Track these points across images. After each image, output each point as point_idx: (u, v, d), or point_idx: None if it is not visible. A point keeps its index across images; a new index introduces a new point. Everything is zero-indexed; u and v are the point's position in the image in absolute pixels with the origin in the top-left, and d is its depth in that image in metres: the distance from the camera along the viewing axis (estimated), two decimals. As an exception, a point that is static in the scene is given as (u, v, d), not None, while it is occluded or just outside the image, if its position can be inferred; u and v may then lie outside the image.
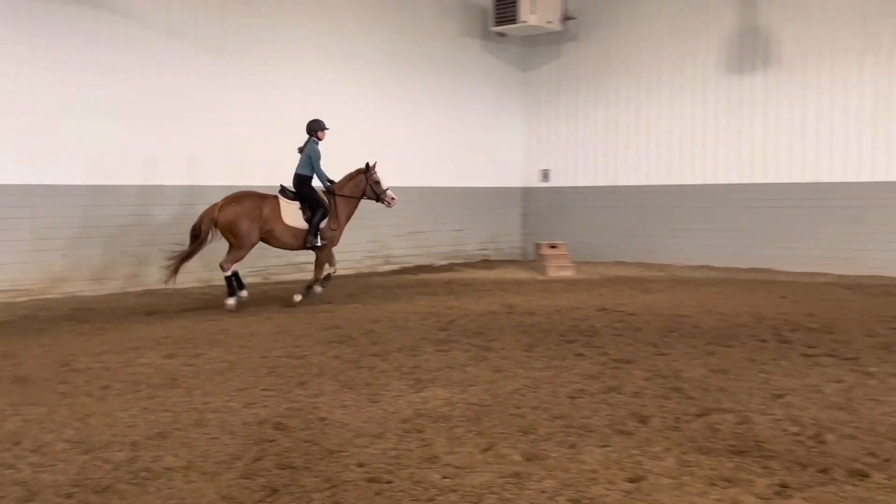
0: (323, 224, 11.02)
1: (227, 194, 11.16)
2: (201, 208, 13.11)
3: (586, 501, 4.15)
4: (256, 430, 5.36)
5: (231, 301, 10.60)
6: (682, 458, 4.73)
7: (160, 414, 5.74)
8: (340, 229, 11.29)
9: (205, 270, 13.13)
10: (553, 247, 15.23)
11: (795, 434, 5.18)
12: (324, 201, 11.03)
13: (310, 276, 11.95)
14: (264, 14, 13.88)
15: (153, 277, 12.58)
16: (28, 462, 4.80)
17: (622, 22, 17.03)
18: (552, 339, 8.36)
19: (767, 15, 15.23)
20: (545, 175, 18.37)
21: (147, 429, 5.40)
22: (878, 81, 14.16)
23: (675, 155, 16.50)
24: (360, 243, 14.99)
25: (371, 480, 4.44)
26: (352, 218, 11.50)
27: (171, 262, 10.86)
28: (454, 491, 4.28)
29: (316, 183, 11.13)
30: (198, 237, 10.82)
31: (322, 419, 5.57)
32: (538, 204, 18.43)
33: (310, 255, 11.55)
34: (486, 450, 4.91)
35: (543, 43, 18.03)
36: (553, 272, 14.65)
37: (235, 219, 10.68)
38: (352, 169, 11.52)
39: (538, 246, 15.51)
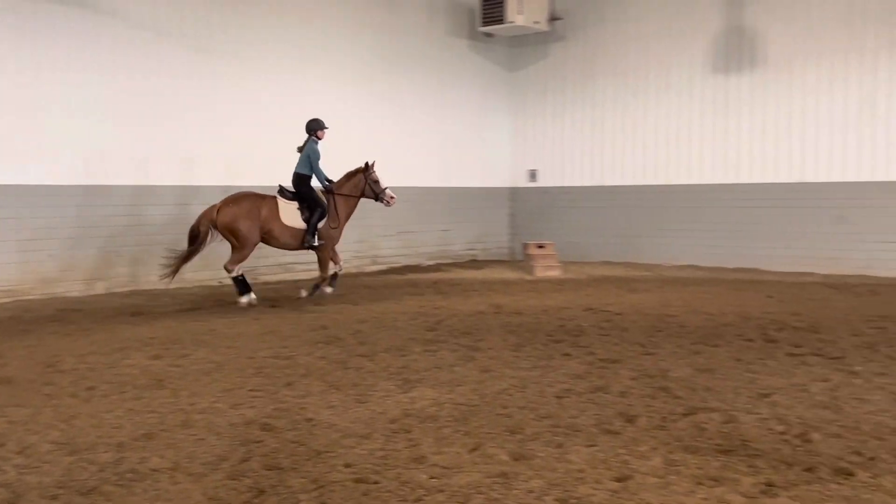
0: (321, 224, 11.02)
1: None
2: (190, 208, 13.11)
3: (573, 501, 4.15)
4: (243, 430, 5.34)
5: (244, 299, 10.72)
6: (669, 458, 4.74)
7: (146, 415, 5.72)
8: (341, 228, 11.32)
9: (192, 271, 13.08)
10: (540, 247, 15.25)
11: (781, 433, 5.20)
12: (322, 201, 11.04)
13: (297, 276, 11.93)
14: (251, 14, 13.84)
15: (140, 278, 12.55)
16: (13, 464, 4.77)
17: (609, 22, 17.08)
18: (539, 339, 8.37)
19: (753, 16, 15.30)
20: (532, 175, 18.39)
21: (133, 430, 5.37)
22: (862, 82, 14.25)
23: (661, 155, 16.56)
24: (348, 243, 14.93)
25: (358, 481, 4.44)
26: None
27: (171, 263, 10.87)
28: (441, 491, 4.28)
29: (315, 182, 11.13)
30: (196, 238, 10.83)
31: (309, 420, 5.56)
32: (525, 204, 18.45)
33: (297, 255, 11.52)
34: (474, 450, 4.91)
35: (530, 43, 18.06)
36: (540, 272, 14.67)
37: (234, 220, 10.73)
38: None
39: (525, 246, 15.53)
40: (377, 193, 11.32)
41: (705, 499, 4.16)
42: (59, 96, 11.72)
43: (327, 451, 4.90)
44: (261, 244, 11.17)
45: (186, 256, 10.89)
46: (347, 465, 4.66)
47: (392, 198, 11.37)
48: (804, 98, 14.84)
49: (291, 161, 13.58)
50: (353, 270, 14.65)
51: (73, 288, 11.93)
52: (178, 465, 4.70)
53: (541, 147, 18.26)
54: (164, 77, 12.74)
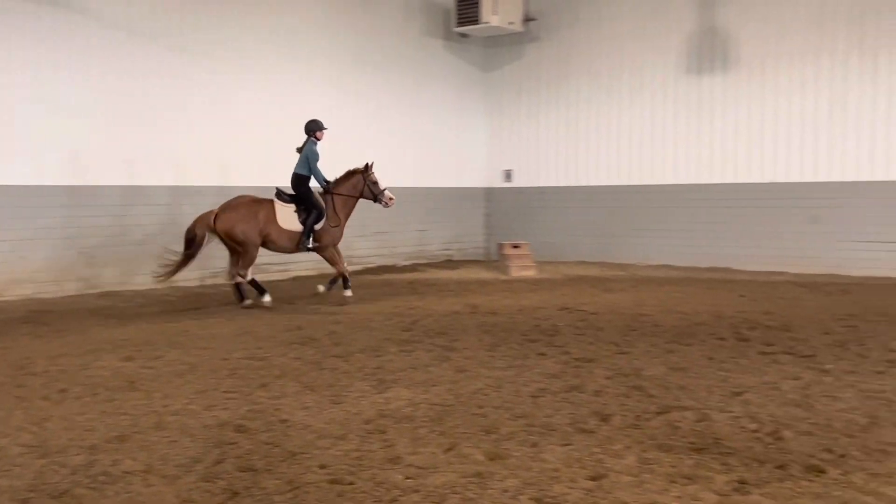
0: (318, 226, 11.02)
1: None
2: (163, 209, 13.04)
3: (548, 500, 4.17)
4: (217, 432, 5.31)
5: (266, 298, 10.81)
6: (643, 456, 4.77)
7: (119, 417, 5.67)
8: (341, 227, 11.31)
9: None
10: (516, 247, 15.29)
11: (753, 431, 5.25)
12: (319, 203, 11.04)
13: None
14: (225, 13, 13.75)
15: (112, 279, 12.44)
16: (-17, 467, 4.71)
17: (583, 23, 17.15)
18: (515, 339, 8.39)
19: (726, 17, 15.42)
20: (508, 175, 18.43)
21: (105, 432, 5.33)
22: (833, 83, 14.41)
23: (635, 155, 16.65)
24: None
25: (333, 482, 4.43)
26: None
27: (169, 265, 10.88)
28: (417, 491, 4.28)
29: (314, 183, 11.12)
30: (192, 242, 10.83)
31: (284, 421, 5.54)
32: (501, 204, 18.48)
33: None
34: (449, 450, 4.92)
35: (505, 44, 18.10)
36: (516, 272, 14.71)
37: (232, 225, 10.76)
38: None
39: (501, 246, 15.56)
40: (376, 194, 11.35)
41: (679, 497, 4.19)
42: (29, 96, 11.59)
43: (302, 453, 4.88)
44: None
45: (184, 261, 10.89)
46: (322, 466, 4.65)
47: (391, 199, 11.39)
48: (776, 99, 14.98)
49: (267, 160, 13.58)
50: (328, 271, 14.59)
51: (45, 289, 11.80)
52: (151, 468, 4.67)
53: (516, 147, 18.30)
54: (136, 77, 12.62)
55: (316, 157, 10.96)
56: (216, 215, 10.81)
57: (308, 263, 13.94)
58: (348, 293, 11.27)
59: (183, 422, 5.54)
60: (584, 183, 17.33)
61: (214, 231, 10.81)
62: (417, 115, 17.03)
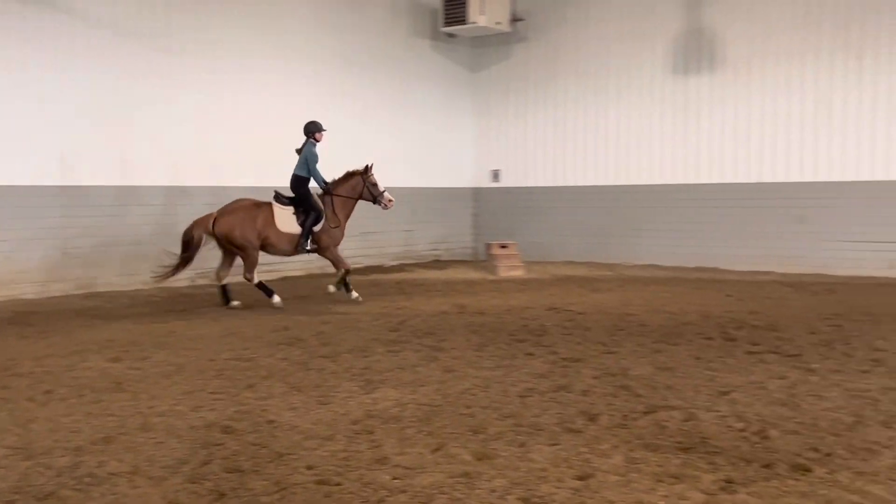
0: (317, 228, 11.00)
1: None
2: (147, 209, 12.98)
3: (536, 500, 4.17)
4: (204, 433, 5.29)
5: (276, 299, 10.82)
6: (630, 456, 4.78)
7: (105, 418, 5.64)
8: (341, 228, 11.30)
9: (150, 273, 12.94)
10: (503, 247, 15.30)
11: (740, 430, 5.27)
12: (318, 205, 11.04)
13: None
14: (210, 13, 13.70)
15: (98, 280, 12.38)
16: (-33, 470, 4.68)
17: (570, 24, 17.18)
18: (502, 339, 8.39)
19: (712, 17, 15.48)
20: (495, 175, 18.45)
21: (91, 434, 5.30)
22: (819, 83, 14.48)
23: (622, 155, 16.69)
24: (310, 244, 14.90)
25: (320, 482, 4.42)
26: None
27: (166, 268, 10.89)
28: (404, 492, 4.27)
29: (314, 184, 11.11)
30: (189, 245, 10.82)
31: (271, 422, 5.52)
32: (489, 204, 18.49)
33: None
34: (437, 450, 4.92)
35: (493, 44, 18.11)
36: (503, 272, 14.72)
37: (231, 229, 10.76)
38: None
39: (489, 246, 15.56)
40: (375, 196, 11.35)
41: (666, 496, 4.20)
42: (15, 96, 11.52)
43: (289, 453, 4.87)
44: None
45: (182, 264, 10.89)
46: (309, 467, 4.64)
47: (390, 201, 11.40)
48: (763, 99, 15.05)
49: (254, 159, 13.54)
50: (316, 271, 14.58)
51: (30, 290, 11.73)
52: (137, 469, 4.64)
53: (503, 147, 18.32)
54: (122, 77, 12.56)
55: (315, 158, 10.96)
56: (215, 219, 10.81)
57: (296, 264, 13.91)
58: (332, 288, 11.26)
59: (169, 423, 5.52)
60: (571, 183, 17.36)
61: (213, 234, 10.80)
62: (405, 116, 17.02)
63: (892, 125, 13.89)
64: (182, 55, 13.30)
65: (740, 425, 5.36)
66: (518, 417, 5.57)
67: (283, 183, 13.91)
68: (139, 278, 12.76)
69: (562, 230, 17.24)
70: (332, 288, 11.27)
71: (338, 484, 4.39)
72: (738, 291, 12.00)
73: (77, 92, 12.11)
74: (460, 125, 18.39)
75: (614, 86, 16.68)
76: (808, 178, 14.63)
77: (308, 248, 11.04)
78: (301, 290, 12.37)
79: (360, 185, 11.30)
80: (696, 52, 15.67)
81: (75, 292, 12.05)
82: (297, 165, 11.03)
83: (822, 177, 14.50)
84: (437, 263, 17.06)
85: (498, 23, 16.92)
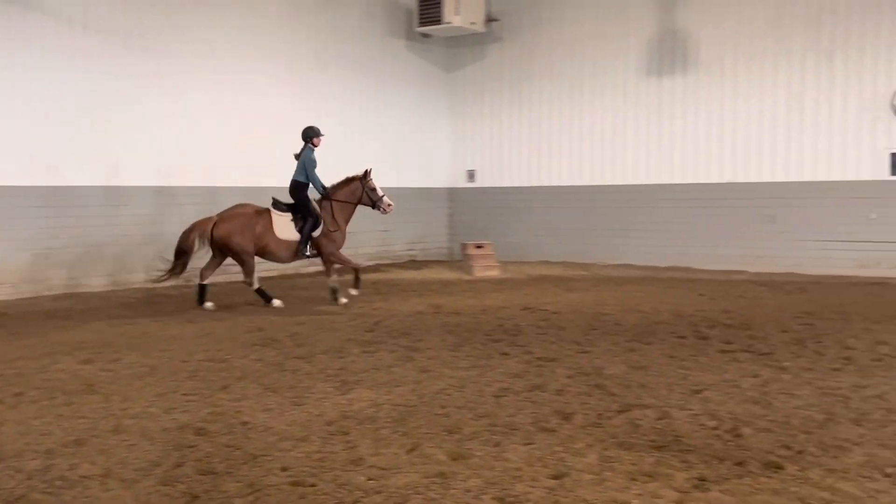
0: (316, 233, 10.96)
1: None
2: (121, 210, 12.86)
3: (511, 499, 4.18)
4: (177, 435, 5.25)
5: (277, 302, 10.84)
6: (604, 454, 4.80)
7: (76, 421, 5.58)
8: (341, 231, 11.28)
9: (125, 273, 12.85)
10: (479, 247, 15.32)
11: (713, 428, 5.31)
12: (315, 211, 10.99)
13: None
14: (185, 13, 13.60)
15: (69, 281, 12.25)
16: (-65, 474, 4.61)
17: (544, 24, 17.23)
18: (478, 339, 8.40)
19: (685, 19, 15.59)
20: (471, 175, 18.46)
21: (62, 436, 5.24)
22: (790, 84, 14.63)
23: (596, 156, 16.77)
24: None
25: (295, 484, 4.40)
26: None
27: (165, 271, 10.87)
28: (379, 492, 4.27)
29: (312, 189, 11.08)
30: (186, 247, 10.77)
31: (245, 423, 5.49)
32: (464, 204, 18.51)
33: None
34: (412, 450, 4.91)
35: (468, 44, 18.12)
36: (479, 272, 14.73)
37: (229, 236, 10.74)
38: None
39: (464, 246, 15.58)
40: (374, 201, 11.33)
41: (640, 494, 4.22)
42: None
43: (263, 455, 4.84)
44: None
45: (177, 267, 10.84)
46: (284, 469, 4.62)
47: (389, 205, 11.39)
48: (735, 100, 15.18)
49: (227, 159, 13.46)
50: (291, 272, 14.52)
51: (0, 291, 11.58)
52: (109, 472, 4.60)
53: (479, 147, 18.34)
54: (86, 74, 12.39)
55: (313, 163, 10.94)
56: (214, 224, 10.78)
57: (270, 265, 13.82)
58: (355, 291, 11.20)
59: (142, 425, 5.48)
60: (546, 183, 17.41)
61: (210, 238, 10.77)
62: (380, 115, 16.99)
63: (862, 126, 14.07)
64: (158, 55, 13.19)
65: (713, 423, 5.40)
66: (493, 417, 5.58)
67: (261, 182, 13.88)
68: (112, 279, 12.67)
69: (537, 230, 17.29)
70: (354, 291, 11.17)
71: (312, 485, 4.37)
72: (711, 291, 12.09)
73: (51, 92, 11.98)
74: (435, 125, 18.39)
75: (588, 86, 16.76)
76: (779, 178, 14.79)
77: (307, 253, 11.02)
78: (274, 291, 12.28)
79: (359, 189, 11.29)
80: (669, 53, 15.78)
81: (47, 293, 11.92)
82: (295, 171, 11.01)
83: (793, 177, 14.66)
84: (413, 264, 17.05)
85: (473, 23, 16.94)
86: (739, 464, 4.64)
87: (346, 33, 16.30)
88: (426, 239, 18.18)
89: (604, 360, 7.34)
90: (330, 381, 6.63)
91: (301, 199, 10.96)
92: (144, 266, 12.64)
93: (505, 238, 16.89)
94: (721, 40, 15.22)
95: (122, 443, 5.11)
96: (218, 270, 11.23)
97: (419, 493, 4.24)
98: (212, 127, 13.86)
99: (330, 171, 11.49)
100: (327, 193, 11.17)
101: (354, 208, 11.41)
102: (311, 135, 11.07)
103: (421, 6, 16.84)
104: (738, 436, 5.15)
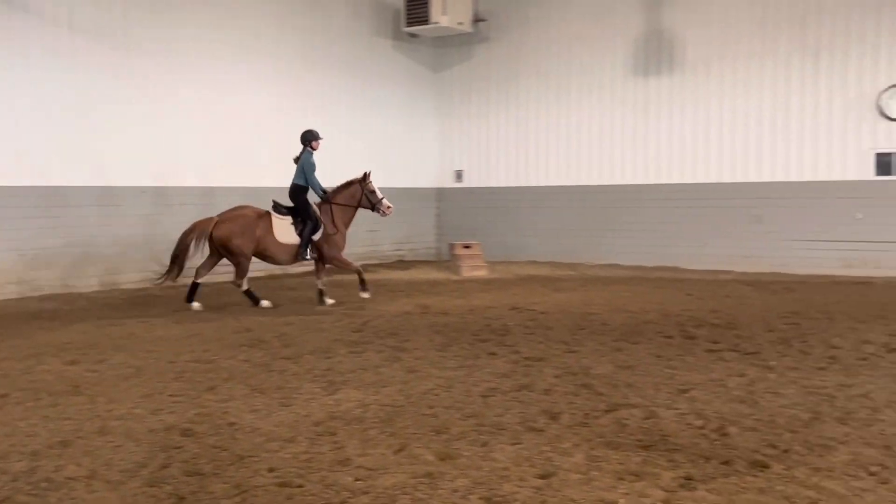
0: (316, 236, 10.94)
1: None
2: (105, 210, 12.79)
3: (498, 499, 4.18)
4: (163, 436, 5.23)
5: (265, 303, 10.84)
6: (591, 454, 4.81)
7: (62, 422, 5.55)
8: (341, 234, 11.26)
9: (112, 274, 12.80)
10: (467, 247, 15.32)
11: (700, 427, 5.33)
12: (315, 215, 10.96)
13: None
14: (170, 11, 13.54)
15: (55, 281, 12.18)
16: (-81, 476, 4.58)
17: (532, 25, 17.25)
18: (465, 339, 8.40)
19: (671, 20, 15.64)
20: (458, 176, 18.47)
21: (48, 437, 5.21)
22: (776, 84, 14.71)
23: (584, 156, 16.81)
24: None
25: (282, 485, 4.39)
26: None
27: (163, 276, 10.91)
28: (366, 493, 4.26)
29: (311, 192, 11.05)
30: (185, 247, 10.77)
31: (232, 424, 5.47)
32: (452, 204, 18.51)
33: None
34: (399, 450, 4.91)
35: (455, 44, 18.12)
36: (467, 272, 14.74)
37: (229, 237, 10.73)
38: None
39: (452, 246, 15.58)
40: (374, 203, 11.32)
41: (626, 493, 4.23)
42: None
43: (250, 456, 4.83)
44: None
45: (177, 270, 10.82)
46: (271, 470, 4.61)
47: (389, 208, 11.38)
48: (721, 100, 15.25)
49: (211, 159, 13.40)
50: (278, 272, 14.48)
51: (-15, 292, 11.54)
52: (94, 473, 4.58)
53: (466, 147, 18.35)
54: (72, 72, 12.32)
55: (312, 167, 10.93)
56: (215, 224, 10.77)
57: (258, 265, 13.78)
58: (366, 294, 11.17)
59: (128, 426, 5.45)
60: (534, 183, 17.44)
61: (210, 237, 10.76)
62: (367, 115, 16.97)
63: (848, 126, 14.15)
64: (143, 55, 13.13)
65: (700, 423, 5.42)
66: (480, 417, 5.58)
67: (246, 182, 13.84)
68: (97, 280, 12.61)
69: (524, 230, 17.31)
70: (365, 295, 11.12)
71: (300, 486, 4.37)
72: (698, 290, 12.13)
73: (36, 92, 11.91)
74: (423, 125, 18.38)
75: (575, 86, 16.79)
76: (765, 178, 14.86)
77: (308, 256, 11.01)
78: (261, 292, 12.25)
79: (359, 192, 11.29)
80: (655, 53, 15.83)
81: (32, 294, 11.85)
82: (295, 174, 10.99)
83: (779, 177, 14.74)
84: (401, 264, 17.04)
85: (460, 23, 16.95)
86: (726, 463, 4.66)
87: (334, 33, 16.28)
88: (414, 239, 18.17)
89: (591, 360, 7.35)
90: (317, 382, 6.62)
91: (301, 203, 10.95)
92: (132, 267, 12.62)
93: (493, 238, 16.90)
94: (707, 41, 15.28)
95: (108, 444, 5.08)
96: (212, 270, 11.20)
97: (406, 494, 4.24)
98: (197, 127, 13.82)
99: (319, 171, 11.46)
100: (327, 197, 11.16)
101: (355, 211, 11.42)
102: (309, 138, 11.07)
103: (408, 6, 16.83)
104: (725, 435, 5.17)
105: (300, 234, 10.92)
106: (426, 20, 16.62)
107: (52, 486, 4.41)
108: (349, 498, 4.20)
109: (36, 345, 8.24)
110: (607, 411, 5.70)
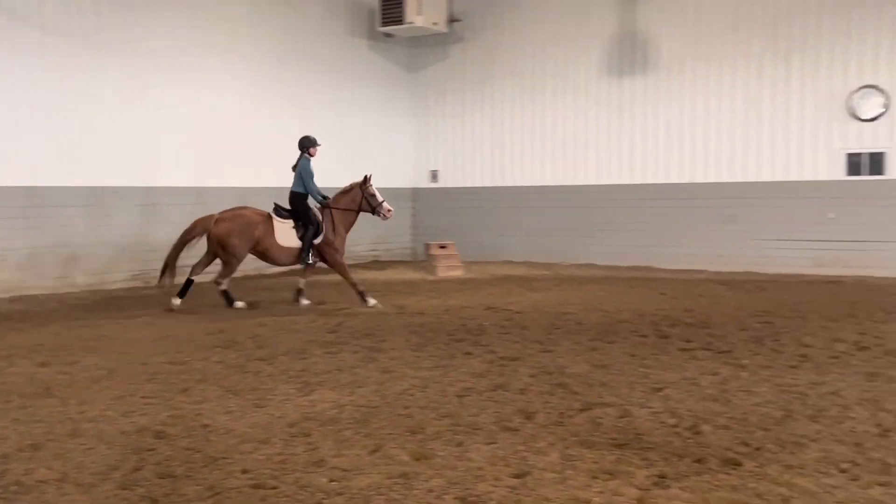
0: (317, 241, 10.89)
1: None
2: (75, 211, 12.65)
3: (473, 499, 4.18)
4: (135, 438, 5.19)
5: (239, 304, 10.77)
6: (566, 453, 4.83)
7: (32, 425, 5.49)
8: (342, 238, 11.21)
9: (82, 275, 12.67)
10: (442, 247, 15.33)
11: (673, 426, 5.36)
12: (316, 219, 10.91)
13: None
14: (144, 10, 13.42)
15: (25, 283, 12.04)
16: None
17: (506, 25, 17.29)
18: (441, 339, 8.40)
19: (646, 20, 15.74)
20: (434, 176, 18.47)
21: (18, 440, 5.15)
22: (749, 85, 14.84)
23: (558, 156, 16.87)
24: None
25: (256, 486, 4.36)
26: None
27: (159, 279, 10.85)
28: (341, 494, 4.25)
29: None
30: (183, 245, 10.73)
31: (205, 426, 5.44)
32: (427, 204, 18.51)
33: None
34: (374, 451, 4.90)
35: (430, 44, 18.12)
36: (443, 272, 14.74)
37: (228, 235, 10.66)
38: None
39: (428, 246, 15.58)
40: (374, 207, 11.27)
41: (601, 492, 4.25)
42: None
43: (224, 458, 4.80)
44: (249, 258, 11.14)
45: (169, 265, 10.73)
46: (244, 471, 4.58)
47: (389, 211, 11.33)
48: (694, 100, 15.36)
49: (187, 159, 13.33)
50: (253, 273, 14.40)
51: (-46, 294, 11.38)
52: (66, 476, 4.53)
53: (442, 148, 18.35)
54: (48, 74, 12.20)
55: (310, 174, 10.89)
56: (216, 220, 10.71)
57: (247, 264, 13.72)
58: (373, 301, 10.93)
59: (100, 428, 5.40)
60: (509, 183, 17.48)
61: (209, 234, 10.71)
62: (342, 115, 16.92)
63: (819, 127, 14.30)
64: (116, 54, 13.01)
65: (673, 421, 5.45)
66: (456, 417, 5.58)
67: (219, 182, 13.76)
68: (68, 281, 12.47)
69: (500, 230, 17.34)
70: (372, 301, 10.95)
71: (274, 487, 4.34)
72: (672, 290, 12.21)
73: (6, 92, 11.77)
74: (398, 125, 18.36)
75: (550, 87, 16.85)
76: (738, 178, 14.99)
77: (310, 261, 10.96)
78: (236, 292, 12.18)
79: (359, 196, 11.24)
80: (630, 54, 15.92)
81: (2, 296, 11.71)
82: (293, 182, 10.96)
83: (751, 177, 14.87)
84: (377, 264, 17.01)
85: (435, 23, 16.95)
86: (699, 461, 4.69)
87: (308, 32, 16.22)
88: (389, 239, 18.14)
89: (566, 360, 7.37)
90: (292, 383, 6.59)
91: (301, 209, 10.90)
92: (102, 268, 12.48)
93: (468, 238, 16.91)
94: (681, 42, 15.39)
95: (80, 447, 5.03)
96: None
97: (382, 494, 4.23)
98: (169, 126, 13.70)
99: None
100: (327, 202, 11.11)
101: (356, 215, 11.37)
102: (307, 145, 11.05)
103: (383, 6, 16.80)
104: (698, 433, 5.20)
105: (301, 238, 10.87)
106: (401, 20, 16.60)
107: (23, 489, 4.36)
108: (324, 499, 4.19)
109: (6, 346, 8.15)
110: (582, 410, 5.72)
